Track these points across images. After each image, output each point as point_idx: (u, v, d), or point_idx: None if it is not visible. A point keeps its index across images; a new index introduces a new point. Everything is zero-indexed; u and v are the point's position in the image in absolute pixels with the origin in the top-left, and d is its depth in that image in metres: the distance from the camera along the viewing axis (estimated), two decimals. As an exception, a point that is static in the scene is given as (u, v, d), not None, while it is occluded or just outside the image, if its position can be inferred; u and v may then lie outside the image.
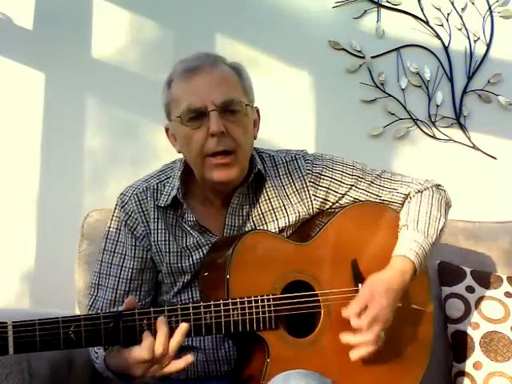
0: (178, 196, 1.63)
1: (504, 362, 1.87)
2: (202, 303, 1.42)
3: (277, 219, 1.66)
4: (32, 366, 1.54)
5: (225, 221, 1.65)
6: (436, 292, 1.97)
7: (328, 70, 2.53)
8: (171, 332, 1.37)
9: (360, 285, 1.57)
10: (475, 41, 2.55)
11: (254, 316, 1.46)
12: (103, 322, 1.34)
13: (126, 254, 1.65)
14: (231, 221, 1.65)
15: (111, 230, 1.67)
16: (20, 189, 2.45)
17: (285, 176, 1.71)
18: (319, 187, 1.70)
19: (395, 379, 1.62)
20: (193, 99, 1.56)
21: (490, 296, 1.97)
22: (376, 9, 2.55)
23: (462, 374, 1.90)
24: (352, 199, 1.70)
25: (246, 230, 1.65)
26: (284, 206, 1.68)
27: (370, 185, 1.72)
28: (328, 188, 1.70)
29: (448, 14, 2.55)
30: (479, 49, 2.55)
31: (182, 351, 1.60)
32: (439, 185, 1.78)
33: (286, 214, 1.67)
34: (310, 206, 1.69)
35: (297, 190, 1.70)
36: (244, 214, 1.66)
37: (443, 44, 2.55)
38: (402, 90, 2.53)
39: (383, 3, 2.55)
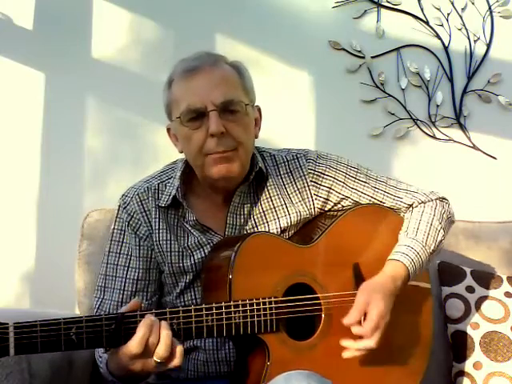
0: (178, 196, 1.63)
1: (504, 362, 1.87)
2: (204, 305, 1.42)
3: (278, 218, 1.66)
4: (32, 366, 1.54)
5: (226, 220, 1.64)
6: (436, 292, 1.97)
7: (328, 70, 2.54)
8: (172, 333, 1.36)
9: None
10: (475, 41, 2.55)
11: (256, 319, 1.45)
12: (105, 324, 1.33)
13: (131, 255, 1.65)
14: (232, 220, 1.65)
15: (115, 231, 1.67)
16: (20, 189, 2.45)
17: (286, 175, 1.70)
18: (321, 186, 1.69)
19: (395, 381, 1.62)
20: (192, 99, 1.56)
21: (490, 296, 1.97)
22: (376, 9, 2.55)
23: (462, 373, 1.90)
24: (354, 202, 1.70)
25: (248, 228, 1.65)
26: (285, 204, 1.67)
27: (374, 190, 1.71)
28: (330, 188, 1.69)
29: (448, 14, 2.55)
30: (479, 49, 2.55)
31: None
32: (444, 198, 1.77)
33: (287, 213, 1.67)
34: (312, 206, 1.69)
35: (298, 190, 1.69)
36: (245, 212, 1.66)
37: (443, 44, 2.55)
38: (402, 90, 2.53)
39: (383, 3, 2.55)
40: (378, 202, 1.71)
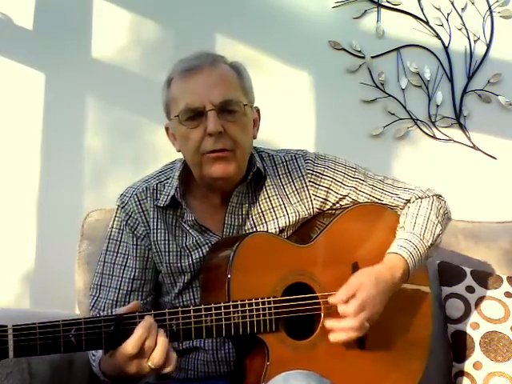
0: (176, 195, 1.63)
1: (504, 362, 1.87)
2: (203, 306, 1.42)
3: (277, 218, 1.66)
4: (32, 366, 1.54)
5: (224, 220, 1.64)
6: (436, 292, 1.97)
7: (328, 70, 2.54)
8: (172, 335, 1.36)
9: None
10: (475, 41, 2.55)
11: (255, 319, 1.45)
12: (104, 326, 1.33)
13: (128, 254, 1.65)
14: (231, 220, 1.65)
15: (113, 230, 1.67)
16: (20, 189, 2.46)
17: (284, 175, 1.70)
18: (320, 187, 1.69)
19: (394, 381, 1.62)
20: (191, 99, 1.56)
21: (490, 296, 1.96)
22: (376, 9, 2.55)
23: (462, 373, 1.90)
24: (352, 201, 1.70)
25: (246, 228, 1.65)
26: (284, 204, 1.67)
27: (372, 189, 1.71)
28: (329, 188, 1.69)
29: (448, 14, 2.55)
30: (479, 49, 2.55)
31: (183, 352, 1.61)
32: (440, 195, 1.78)
33: (285, 213, 1.67)
34: (310, 206, 1.69)
35: (296, 190, 1.69)
36: (243, 212, 1.66)
37: (443, 44, 2.55)
38: (402, 89, 2.53)
39: (383, 3, 2.55)
40: (376, 200, 1.71)
